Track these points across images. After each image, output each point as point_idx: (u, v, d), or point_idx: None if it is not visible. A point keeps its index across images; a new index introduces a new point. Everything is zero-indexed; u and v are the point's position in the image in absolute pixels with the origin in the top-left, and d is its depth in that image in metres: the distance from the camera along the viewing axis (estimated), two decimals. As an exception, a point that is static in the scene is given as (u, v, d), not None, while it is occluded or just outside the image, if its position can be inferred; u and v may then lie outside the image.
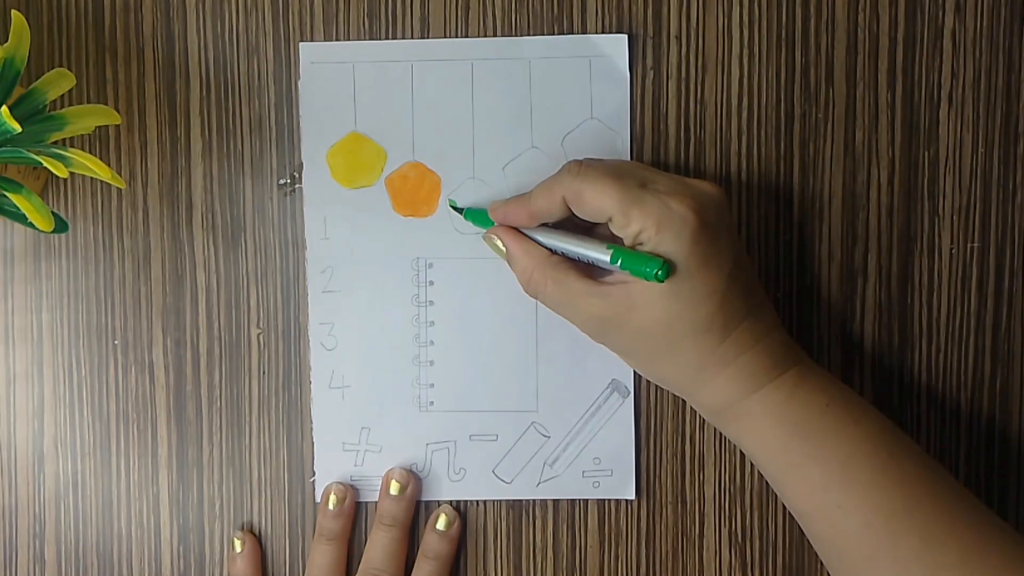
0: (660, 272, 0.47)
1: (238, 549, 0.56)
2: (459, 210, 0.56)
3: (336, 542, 0.56)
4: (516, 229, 0.53)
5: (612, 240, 0.50)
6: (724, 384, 0.50)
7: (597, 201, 0.49)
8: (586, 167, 0.50)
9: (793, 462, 0.50)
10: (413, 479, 0.56)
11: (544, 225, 0.52)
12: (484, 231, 0.54)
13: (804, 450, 0.49)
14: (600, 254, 0.49)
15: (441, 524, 0.56)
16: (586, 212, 0.50)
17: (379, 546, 0.56)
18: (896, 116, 0.56)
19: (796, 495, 0.50)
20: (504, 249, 0.53)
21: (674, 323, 0.49)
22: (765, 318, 0.51)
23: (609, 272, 0.50)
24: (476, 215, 0.55)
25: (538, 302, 0.54)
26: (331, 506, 0.56)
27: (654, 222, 0.48)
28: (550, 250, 0.52)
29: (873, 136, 0.56)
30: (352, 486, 0.56)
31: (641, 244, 0.49)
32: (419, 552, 0.56)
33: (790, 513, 0.56)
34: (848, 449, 0.49)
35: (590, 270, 0.51)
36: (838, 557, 0.50)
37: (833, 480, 0.49)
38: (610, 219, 0.49)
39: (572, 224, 0.52)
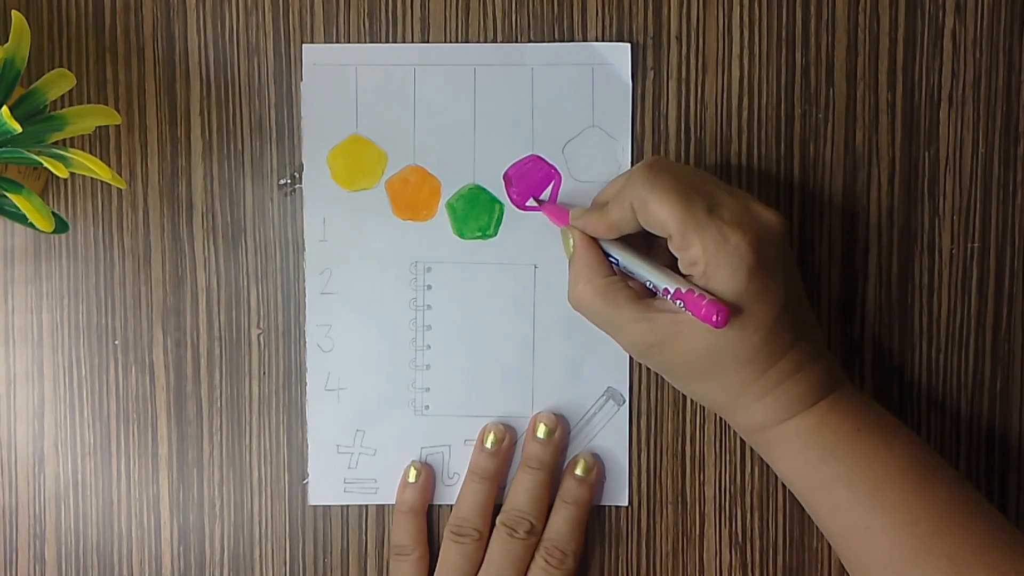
0: (718, 317, 0.47)
1: (412, 479, 0.56)
2: (540, 202, 0.56)
3: (488, 481, 0.55)
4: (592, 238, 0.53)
5: (671, 256, 0.50)
6: (760, 411, 0.50)
7: (660, 215, 0.48)
8: (656, 175, 0.49)
9: (822, 484, 0.50)
10: (561, 423, 0.56)
11: (619, 244, 0.52)
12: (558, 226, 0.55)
13: (833, 472, 0.49)
14: (663, 285, 0.49)
15: (580, 470, 0.56)
16: (649, 224, 0.49)
17: (524, 489, 0.55)
18: (896, 116, 0.56)
19: (826, 516, 0.50)
20: (571, 251, 0.53)
21: (719, 352, 0.49)
22: (811, 346, 0.50)
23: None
24: (555, 212, 0.55)
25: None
26: (489, 445, 0.55)
27: (709, 255, 0.48)
28: (615, 262, 0.52)
29: (873, 136, 0.56)
30: (514, 428, 0.56)
31: (693, 275, 0.49)
32: (557, 497, 0.55)
33: (790, 513, 0.56)
34: (878, 472, 0.49)
35: (641, 292, 0.51)
36: None
37: (861, 502, 0.49)
38: (669, 237, 0.49)
39: (640, 237, 0.52)
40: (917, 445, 0.50)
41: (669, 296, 0.49)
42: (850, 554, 0.50)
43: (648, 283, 0.50)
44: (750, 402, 0.50)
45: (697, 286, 0.48)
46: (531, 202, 0.56)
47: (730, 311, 0.47)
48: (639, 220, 0.50)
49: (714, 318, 0.47)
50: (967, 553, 0.48)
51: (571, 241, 0.53)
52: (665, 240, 0.50)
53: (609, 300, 0.51)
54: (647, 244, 0.52)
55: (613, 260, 0.52)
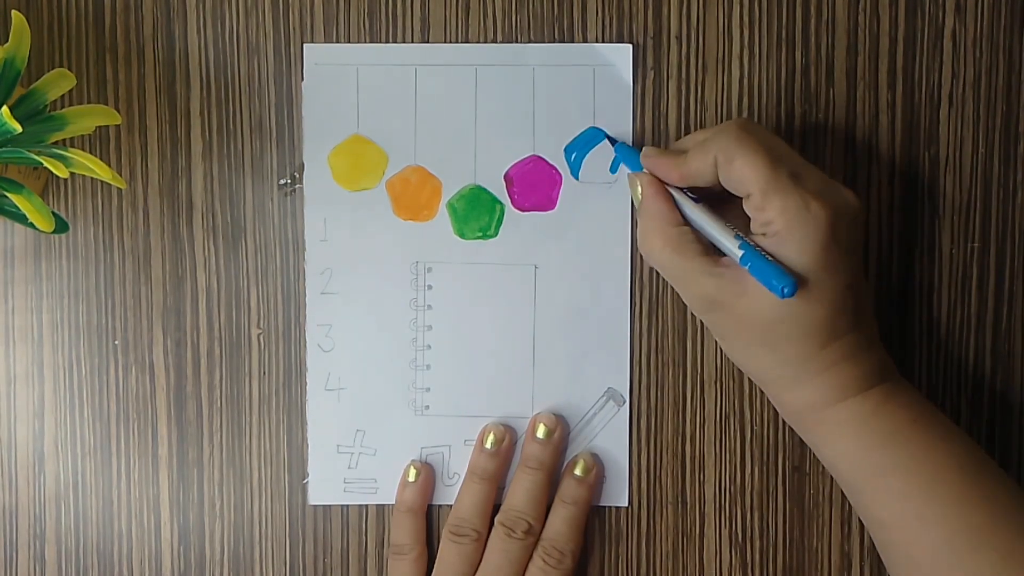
0: (787, 289, 0.47)
1: (412, 479, 0.56)
2: (612, 140, 0.55)
3: (488, 482, 0.55)
4: (661, 182, 0.52)
5: (744, 217, 0.50)
6: (812, 389, 0.50)
7: (744, 172, 0.48)
8: (748, 134, 0.49)
9: (876, 471, 0.49)
10: (561, 424, 0.56)
11: (690, 196, 0.51)
12: (624, 170, 0.54)
13: (889, 460, 0.49)
14: (732, 248, 0.49)
15: (579, 470, 0.55)
16: (730, 180, 0.49)
17: (522, 490, 0.55)
18: (896, 116, 0.56)
19: (876, 504, 0.50)
20: (640, 198, 0.52)
21: (780, 320, 0.48)
22: (867, 334, 0.50)
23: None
24: (627, 153, 0.54)
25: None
26: (488, 445, 0.55)
27: (788, 219, 0.48)
28: (683, 215, 0.51)
29: (873, 136, 0.56)
30: (514, 428, 0.56)
31: (765, 235, 0.48)
32: (556, 497, 0.55)
33: (790, 513, 0.56)
34: (933, 463, 0.49)
35: (711, 245, 0.50)
36: (912, 569, 0.49)
37: (917, 491, 0.49)
38: (748, 196, 0.49)
39: (713, 195, 0.51)
40: (970, 441, 0.50)
41: (738, 258, 0.49)
42: (897, 545, 0.50)
43: (716, 242, 0.50)
44: (805, 377, 0.50)
45: (766, 252, 0.48)
46: (603, 138, 0.55)
47: (795, 281, 0.47)
48: (720, 175, 0.49)
49: (782, 288, 0.47)
50: (1020, 548, 0.47)
51: (639, 189, 0.52)
52: (733, 207, 0.50)
53: (680, 251, 0.50)
54: (715, 207, 0.52)
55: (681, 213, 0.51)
